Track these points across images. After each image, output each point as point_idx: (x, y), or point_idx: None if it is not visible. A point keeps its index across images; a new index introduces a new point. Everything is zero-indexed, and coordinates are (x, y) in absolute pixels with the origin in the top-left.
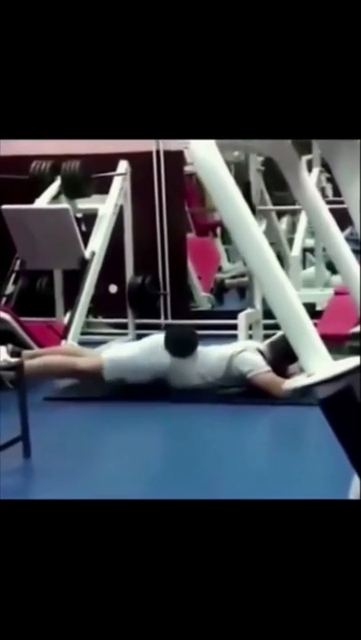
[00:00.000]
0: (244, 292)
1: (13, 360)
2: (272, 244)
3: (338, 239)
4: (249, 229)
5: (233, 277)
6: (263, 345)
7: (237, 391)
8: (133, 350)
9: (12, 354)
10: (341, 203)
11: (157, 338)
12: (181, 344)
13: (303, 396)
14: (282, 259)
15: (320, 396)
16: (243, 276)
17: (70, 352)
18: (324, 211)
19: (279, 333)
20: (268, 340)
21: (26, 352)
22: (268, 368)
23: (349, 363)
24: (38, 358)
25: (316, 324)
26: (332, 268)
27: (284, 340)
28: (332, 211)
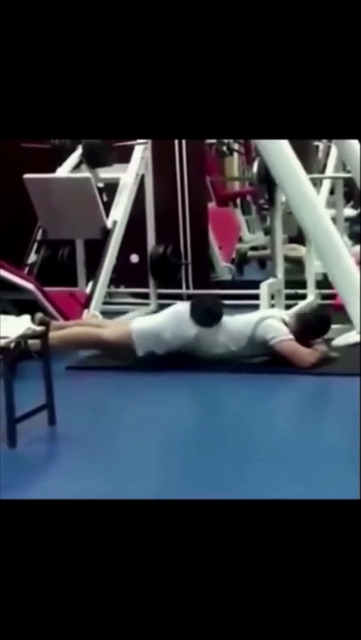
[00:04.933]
0: (264, 263)
1: (39, 328)
2: (289, 213)
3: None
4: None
5: (254, 249)
6: (288, 316)
7: (261, 360)
8: (158, 322)
9: (41, 322)
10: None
11: (180, 308)
12: (208, 313)
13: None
14: (301, 230)
15: None
16: (264, 248)
17: (94, 324)
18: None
19: (302, 304)
20: (292, 310)
21: (54, 323)
22: (291, 336)
23: None
24: (63, 330)
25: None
26: (353, 238)
27: (310, 313)
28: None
